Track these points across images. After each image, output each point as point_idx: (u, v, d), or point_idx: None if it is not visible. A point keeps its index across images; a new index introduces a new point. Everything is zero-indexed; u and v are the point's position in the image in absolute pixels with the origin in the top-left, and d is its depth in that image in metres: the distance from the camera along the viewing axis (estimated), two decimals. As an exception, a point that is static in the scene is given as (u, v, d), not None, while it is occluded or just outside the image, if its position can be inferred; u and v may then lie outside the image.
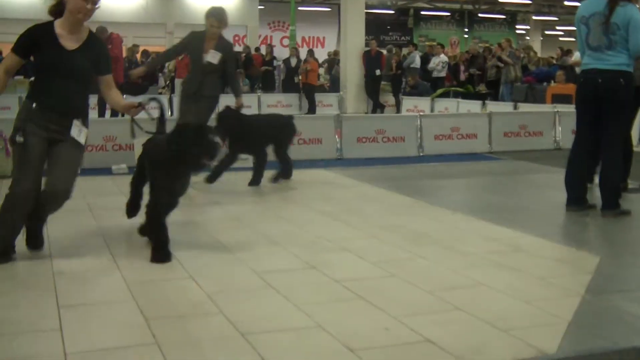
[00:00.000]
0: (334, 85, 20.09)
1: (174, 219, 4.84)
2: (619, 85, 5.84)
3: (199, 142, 4.42)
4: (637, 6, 5.96)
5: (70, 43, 4.45)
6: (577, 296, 3.89)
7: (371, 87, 18.27)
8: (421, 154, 10.19)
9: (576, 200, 6.21)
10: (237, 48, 22.91)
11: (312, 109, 17.76)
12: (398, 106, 17.66)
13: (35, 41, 4.43)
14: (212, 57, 7.33)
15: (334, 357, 3.09)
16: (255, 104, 17.39)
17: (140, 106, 4.77)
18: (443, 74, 18.53)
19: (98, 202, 6.48)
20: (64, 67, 4.42)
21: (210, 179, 7.25)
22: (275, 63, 20.73)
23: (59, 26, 4.46)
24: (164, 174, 4.59)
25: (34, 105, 4.41)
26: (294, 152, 9.43)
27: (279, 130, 7.79)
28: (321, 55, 24.64)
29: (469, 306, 3.72)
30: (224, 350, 3.17)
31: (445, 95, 16.71)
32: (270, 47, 21.39)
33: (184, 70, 14.14)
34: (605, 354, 3.09)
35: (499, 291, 4.00)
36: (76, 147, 4.50)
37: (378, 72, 18.07)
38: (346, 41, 18.74)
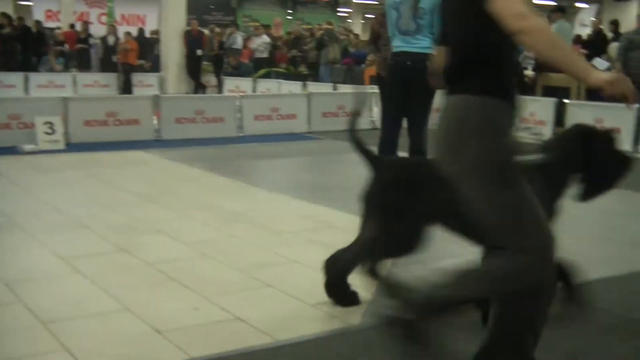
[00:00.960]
0: (155, 65, 19.55)
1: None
2: (426, 68, 6.12)
3: None
4: None
5: None
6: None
7: (192, 67, 17.96)
8: (241, 135, 10.18)
9: (387, 177, 6.46)
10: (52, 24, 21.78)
11: (127, 89, 17.19)
12: (220, 87, 17.53)
13: None
14: None
15: (140, 339, 3.03)
16: (70, 83, 16.58)
17: None
18: (265, 54, 18.60)
19: None
20: None
21: None
22: (91, 41, 19.79)
23: None
24: None
25: None
26: (110, 134, 9.15)
27: None
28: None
29: (279, 283, 3.78)
30: (22, 341, 3.00)
31: (267, 76, 16.79)
32: (85, 24, 20.38)
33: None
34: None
35: (309, 267, 4.09)
36: None
37: (199, 52, 17.80)
38: (167, 20, 18.25)
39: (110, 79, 17.96)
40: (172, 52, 18.05)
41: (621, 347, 3.02)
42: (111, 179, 6.90)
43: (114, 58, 18.26)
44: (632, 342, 3.07)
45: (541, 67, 11.37)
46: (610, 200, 6.17)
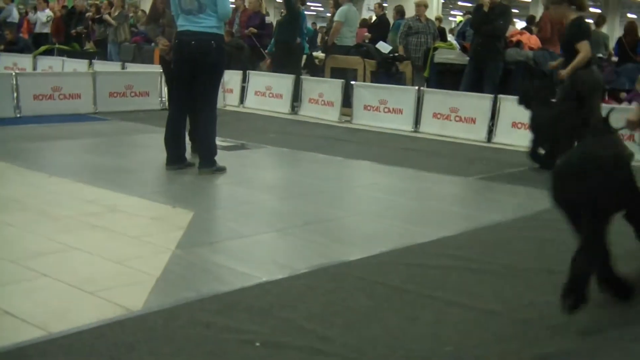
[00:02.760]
0: None
1: None
2: (211, 47, 6.07)
3: None
4: None
5: None
6: (168, 252, 3.97)
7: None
8: (19, 116, 9.48)
9: (175, 159, 6.36)
10: None
11: None
12: (-5, 64, 16.22)
13: None
14: None
15: None
16: None
17: None
18: (47, 29, 17.48)
19: None
20: None
21: None
22: None
23: None
24: None
25: None
26: None
27: None
28: None
29: (56, 272, 3.57)
30: None
31: (49, 53, 15.80)
32: None
33: None
34: (188, 304, 3.20)
35: (90, 254, 3.90)
36: None
37: (-34, 24, 16.37)
38: None
39: None
40: None
41: (395, 318, 3.18)
42: None
43: None
44: (404, 311, 3.24)
45: (329, 49, 11.74)
46: (387, 178, 6.54)
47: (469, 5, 29.87)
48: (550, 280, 3.65)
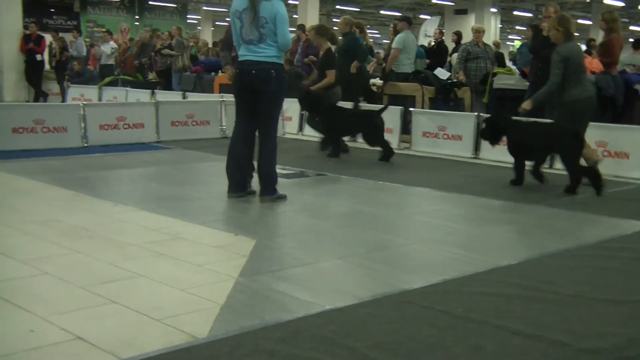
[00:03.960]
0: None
1: None
2: (271, 76, 6.17)
3: None
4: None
5: None
6: (231, 280, 4.02)
7: (32, 73, 17.08)
8: (86, 145, 9.79)
9: (236, 186, 6.45)
10: None
11: None
12: (63, 95, 16.78)
13: None
14: None
15: (-32, 369, 2.81)
16: None
17: None
18: (111, 61, 18.04)
19: None
20: None
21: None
22: None
23: None
24: None
25: None
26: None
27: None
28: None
29: (124, 298, 3.65)
30: None
31: (114, 83, 16.28)
32: None
33: None
34: (252, 332, 3.23)
35: (155, 281, 3.98)
36: None
37: (39, 57, 16.97)
38: (1, 21, 17.25)
39: None
40: (8, 56, 17.05)
41: (459, 347, 3.14)
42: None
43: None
44: (468, 340, 3.21)
45: (387, 76, 11.78)
46: (449, 205, 6.50)
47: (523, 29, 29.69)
48: (618, 311, 3.56)
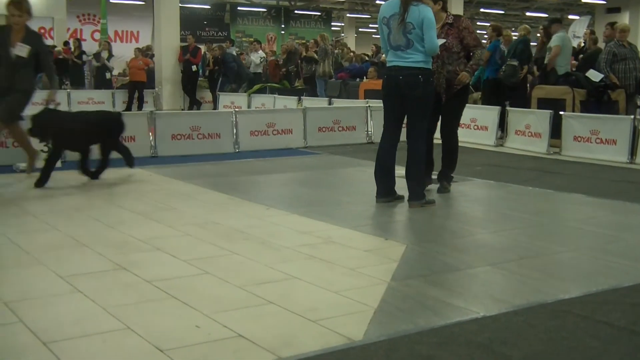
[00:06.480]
0: (149, 81, 19.60)
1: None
2: (418, 81, 6.17)
3: None
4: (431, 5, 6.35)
5: None
6: (384, 284, 4.06)
7: (187, 83, 18.01)
8: (237, 150, 10.20)
9: (385, 192, 6.49)
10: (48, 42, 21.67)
11: (139, 106, 17.47)
12: (215, 103, 17.56)
13: None
14: (20, 50, 7.16)
15: (142, 358, 3.01)
16: (65, 100, 16.56)
17: None
18: (260, 69, 18.67)
19: None
20: None
21: (39, 183, 7.15)
22: (84, 58, 19.82)
23: None
24: None
25: None
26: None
27: (107, 127, 7.76)
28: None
29: (280, 299, 3.77)
30: (23, 361, 2.99)
31: (262, 91, 16.83)
32: (78, 41, 20.39)
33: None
34: (407, 336, 3.25)
35: (310, 283, 4.09)
36: None
37: (194, 67, 17.85)
38: (160, 36, 18.32)
39: (105, 96, 17.98)
40: (166, 68, 18.09)
41: (624, 360, 3.02)
42: (107, 196, 6.90)
43: (107, 75, 18.31)
44: (636, 355, 3.07)
45: (547, 77, 11.44)
46: (605, 212, 6.22)
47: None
48: None
